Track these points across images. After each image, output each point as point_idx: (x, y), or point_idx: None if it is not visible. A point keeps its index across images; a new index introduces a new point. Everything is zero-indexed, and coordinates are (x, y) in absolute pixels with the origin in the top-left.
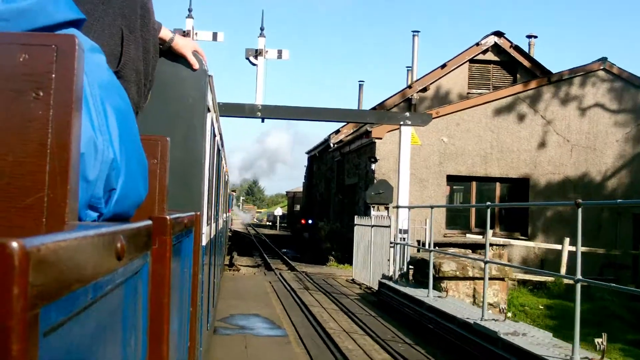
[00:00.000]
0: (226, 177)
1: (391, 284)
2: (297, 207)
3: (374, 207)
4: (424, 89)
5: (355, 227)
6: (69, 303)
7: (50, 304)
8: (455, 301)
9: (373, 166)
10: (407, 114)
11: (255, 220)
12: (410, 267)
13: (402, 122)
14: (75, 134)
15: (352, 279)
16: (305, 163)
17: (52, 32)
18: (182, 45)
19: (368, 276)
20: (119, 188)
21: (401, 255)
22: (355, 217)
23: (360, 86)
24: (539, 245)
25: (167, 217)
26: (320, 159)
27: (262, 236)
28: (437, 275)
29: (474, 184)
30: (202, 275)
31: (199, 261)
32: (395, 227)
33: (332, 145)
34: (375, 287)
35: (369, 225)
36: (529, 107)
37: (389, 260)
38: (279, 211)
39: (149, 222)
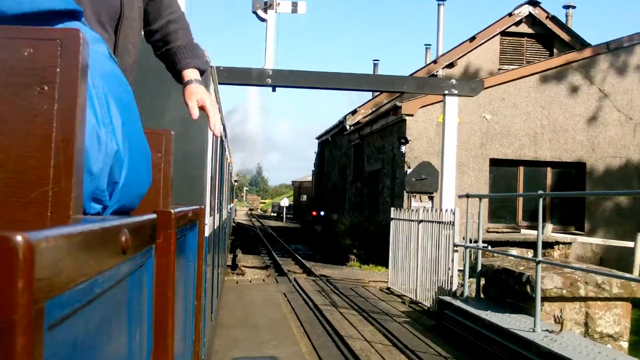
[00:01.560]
0: (230, 167)
1: (459, 304)
2: (304, 198)
3: (414, 196)
4: (451, 65)
5: (392, 223)
6: (74, 297)
7: (55, 297)
8: (582, 341)
9: (403, 148)
10: (453, 80)
11: (259, 211)
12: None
13: (446, 91)
14: (80, 128)
15: (388, 288)
16: (315, 149)
17: (46, 22)
18: (192, 92)
19: (412, 286)
20: (122, 180)
21: (467, 261)
22: (392, 209)
23: (375, 65)
24: (609, 242)
25: (172, 210)
26: (334, 143)
27: (267, 229)
28: (530, 294)
29: (521, 169)
30: (206, 267)
31: (203, 255)
32: (459, 224)
33: (348, 127)
34: (425, 302)
35: (413, 220)
36: (584, 78)
37: (449, 269)
38: (285, 202)
39: (154, 215)
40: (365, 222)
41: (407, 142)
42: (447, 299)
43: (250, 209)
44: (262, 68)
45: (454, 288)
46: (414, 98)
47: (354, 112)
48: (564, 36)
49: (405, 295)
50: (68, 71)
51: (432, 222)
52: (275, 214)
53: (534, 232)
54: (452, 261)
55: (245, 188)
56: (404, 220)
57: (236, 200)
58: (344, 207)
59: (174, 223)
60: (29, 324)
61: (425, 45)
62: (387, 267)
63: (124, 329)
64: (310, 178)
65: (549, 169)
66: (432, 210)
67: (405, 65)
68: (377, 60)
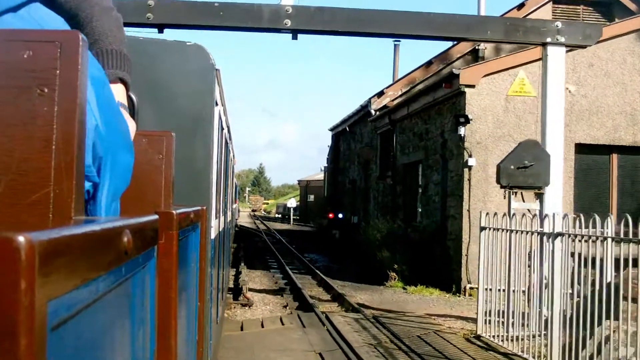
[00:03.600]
0: (233, 168)
1: None
2: (312, 198)
3: (514, 193)
4: None
5: (483, 235)
6: (77, 297)
7: (58, 298)
8: None
9: (461, 130)
10: (558, 23)
11: (262, 212)
12: None
13: (548, 39)
14: (80, 129)
15: (478, 336)
16: (329, 142)
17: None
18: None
19: (524, 333)
20: (106, 155)
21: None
22: (482, 214)
23: (396, 47)
24: None
25: (174, 211)
26: (352, 134)
27: (274, 233)
28: None
29: (614, 157)
30: (212, 269)
31: (205, 255)
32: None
33: (373, 112)
34: None
35: (522, 231)
36: None
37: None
38: (292, 202)
39: (156, 216)
40: (407, 228)
41: (467, 121)
42: None
43: (253, 210)
44: (278, 4)
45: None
46: (476, 64)
47: (380, 93)
48: (625, 1)
49: (519, 357)
50: (68, 73)
51: (565, 235)
52: (280, 215)
53: None
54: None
55: (247, 188)
56: (502, 230)
57: (238, 201)
58: (368, 208)
59: (176, 224)
60: (32, 324)
61: None
62: (440, 288)
63: (127, 330)
64: (318, 176)
65: None
66: (555, 216)
67: (429, 46)
68: (399, 40)
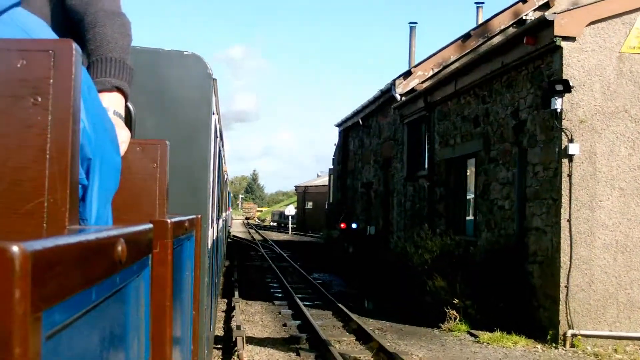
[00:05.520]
0: (225, 176)
1: None
2: (310, 205)
3: None
4: (546, 5)
5: None
6: (71, 306)
7: (52, 307)
8: None
9: (557, 104)
10: None
11: (256, 220)
12: None
13: None
14: (74, 138)
15: None
16: (336, 140)
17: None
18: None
19: None
20: (94, 156)
21: None
22: None
23: (412, 29)
24: None
25: (168, 220)
26: (366, 128)
27: (272, 245)
28: None
29: None
30: (207, 278)
31: (200, 264)
32: None
33: (398, 97)
34: None
35: None
36: None
37: None
38: (290, 210)
39: (150, 225)
40: (464, 244)
41: (567, 89)
42: None
43: (246, 218)
44: None
45: None
46: (576, 7)
47: (406, 74)
48: None
49: None
50: (61, 82)
51: None
52: (275, 224)
53: None
54: None
55: (240, 195)
56: None
57: (231, 209)
58: (390, 216)
59: (170, 232)
60: (27, 333)
61: (477, 3)
62: (525, 335)
63: (122, 339)
64: (317, 182)
65: None
66: None
67: (449, 27)
68: (415, 23)
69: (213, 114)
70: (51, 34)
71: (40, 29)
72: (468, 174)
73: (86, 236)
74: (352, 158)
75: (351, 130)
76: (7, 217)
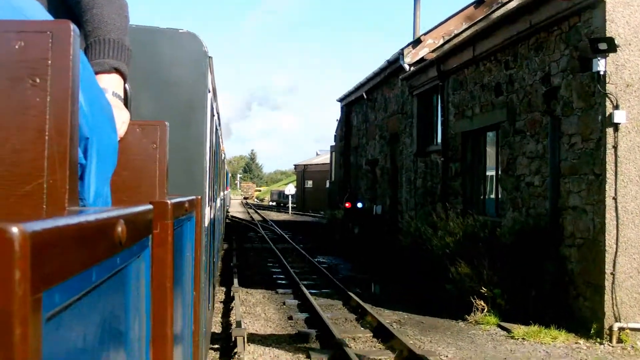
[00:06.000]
0: (223, 155)
1: None
2: (309, 184)
3: None
4: None
5: None
6: (71, 287)
7: (53, 288)
8: None
9: (600, 65)
10: None
11: (255, 199)
12: None
13: None
14: (73, 119)
15: None
16: (338, 116)
17: None
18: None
19: None
20: (92, 135)
21: None
22: None
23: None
24: None
25: (168, 201)
26: (371, 102)
27: (272, 226)
28: None
29: None
30: (204, 257)
31: (200, 245)
32: None
33: (407, 67)
34: None
35: None
36: None
37: None
38: (290, 189)
39: (150, 206)
40: (490, 225)
41: (613, 49)
42: None
43: (245, 198)
44: None
45: None
46: None
47: (415, 42)
48: None
49: None
50: (60, 63)
51: None
52: (274, 204)
53: None
54: None
55: (238, 175)
56: None
57: (229, 188)
58: (398, 195)
59: (170, 213)
60: (27, 314)
61: None
62: (566, 329)
63: (123, 319)
64: (316, 160)
65: None
66: None
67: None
68: None
69: (209, 92)
70: (46, 16)
71: (36, 11)
72: (487, 147)
73: (86, 217)
74: (356, 134)
75: (354, 105)
76: (7, 199)
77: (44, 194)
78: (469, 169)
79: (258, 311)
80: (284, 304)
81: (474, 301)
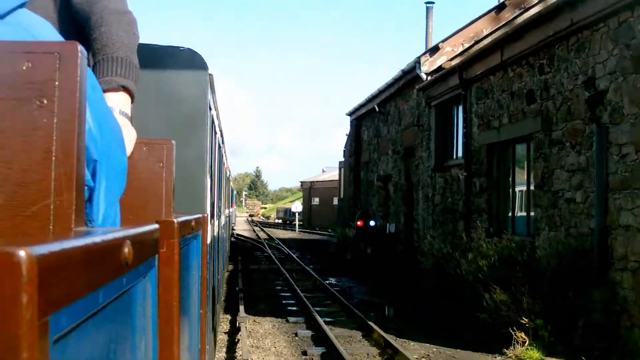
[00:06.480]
0: (228, 173)
1: None
2: (316, 201)
3: None
4: None
5: None
6: (78, 309)
7: (60, 310)
8: None
9: None
10: None
11: (260, 217)
12: None
13: None
14: (79, 140)
15: None
16: (347, 130)
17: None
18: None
19: None
20: (100, 158)
21: None
22: None
23: (429, 9)
24: None
25: (174, 220)
26: (383, 115)
27: (280, 245)
28: None
29: None
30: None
31: (207, 263)
32: None
33: (424, 76)
34: None
35: None
36: None
37: None
38: (297, 206)
39: (156, 226)
40: (528, 247)
41: None
42: None
43: (250, 215)
44: None
45: None
46: None
47: (433, 50)
48: None
49: None
50: (67, 84)
51: None
52: (280, 221)
53: None
54: None
55: (244, 192)
56: None
57: (235, 206)
58: (414, 212)
59: (177, 232)
60: (35, 338)
61: None
62: None
63: (129, 340)
64: (323, 177)
65: None
66: None
67: (468, 8)
68: (432, 2)
69: (210, 109)
70: (56, 35)
71: (45, 31)
72: (517, 161)
73: (92, 238)
74: (367, 149)
75: (365, 119)
76: (14, 219)
77: (50, 214)
78: (496, 184)
79: (267, 344)
80: (296, 335)
81: (513, 333)
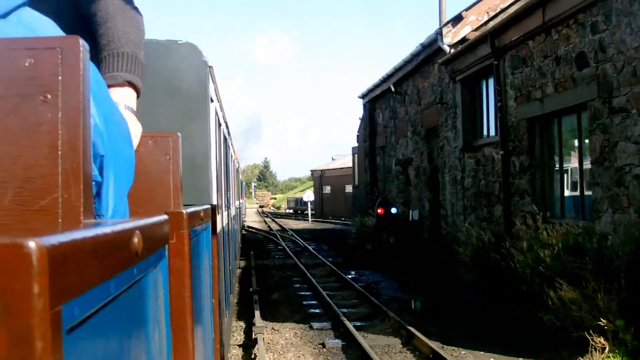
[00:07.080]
0: (237, 164)
1: None
2: (327, 190)
3: None
4: None
5: None
6: (90, 299)
7: (72, 300)
8: None
9: None
10: None
11: (271, 207)
12: None
13: None
14: (85, 134)
15: None
16: (360, 114)
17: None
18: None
19: None
20: (107, 153)
21: None
22: None
23: None
24: None
25: (183, 211)
26: (400, 95)
27: (293, 236)
28: None
29: None
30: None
31: (217, 253)
32: None
33: (447, 48)
34: None
35: None
36: None
37: None
38: (309, 195)
39: (165, 217)
40: (597, 232)
41: None
42: None
43: (260, 206)
44: None
45: None
46: None
47: (456, 19)
48: None
49: None
50: (70, 78)
51: None
52: (291, 211)
53: None
54: None
55: (253, 184)
56: None
57: (245, 197)
58: (440, 197)
59: (186, 223)
60: (47, 328)
61: None
62: None
63: (142, 330)
64: (334, 165)
65: None
66: None
67: None
68: None
69: (212, 101)
70: (58, 31)
71: (47, 27)
72: (565, 134)
73: (102, 229)
74: (382, 132)
75: (379, 101)
76: (22, 214)
77: (59, 208)
78: (540, 162)
79: (287, 351)
80: (323, 346)
81: (590, 338)
